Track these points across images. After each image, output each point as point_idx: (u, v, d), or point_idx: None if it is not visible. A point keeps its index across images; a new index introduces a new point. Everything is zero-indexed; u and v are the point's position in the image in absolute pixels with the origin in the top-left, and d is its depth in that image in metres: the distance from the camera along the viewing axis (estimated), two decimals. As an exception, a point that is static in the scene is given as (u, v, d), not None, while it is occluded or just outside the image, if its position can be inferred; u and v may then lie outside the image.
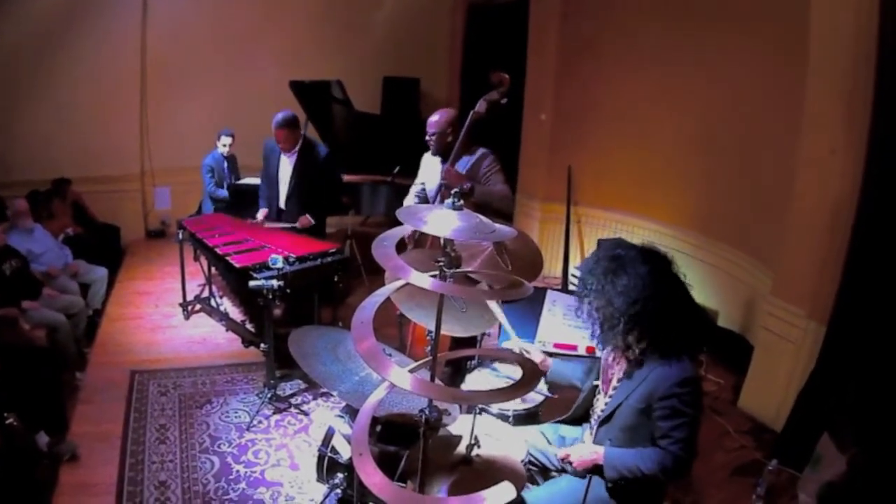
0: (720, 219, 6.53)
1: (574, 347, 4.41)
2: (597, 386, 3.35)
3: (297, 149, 6.39)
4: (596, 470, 3.09)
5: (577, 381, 3.60)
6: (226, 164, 8.50)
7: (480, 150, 4.99)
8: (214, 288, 7.19)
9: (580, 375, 3.60)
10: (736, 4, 6.13)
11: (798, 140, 5.06)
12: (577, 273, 3.85)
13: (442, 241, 2.32)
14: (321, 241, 6.09)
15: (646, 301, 2.89)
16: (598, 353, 3.46)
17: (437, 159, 5.17)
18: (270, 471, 4.57)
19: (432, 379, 2.46)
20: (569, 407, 3.60)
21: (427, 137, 5.09)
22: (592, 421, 3.31)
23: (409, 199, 5.46)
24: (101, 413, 5.21)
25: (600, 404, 3.26)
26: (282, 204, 6.64)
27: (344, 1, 10.23)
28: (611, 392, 3.18)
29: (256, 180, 7.40)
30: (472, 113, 4.84)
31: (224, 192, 8.30)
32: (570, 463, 3.18)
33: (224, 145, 8.43)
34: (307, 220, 6.42)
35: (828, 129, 4.76)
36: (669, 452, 2.90)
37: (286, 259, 5.32)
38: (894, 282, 4.30)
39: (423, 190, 5.36)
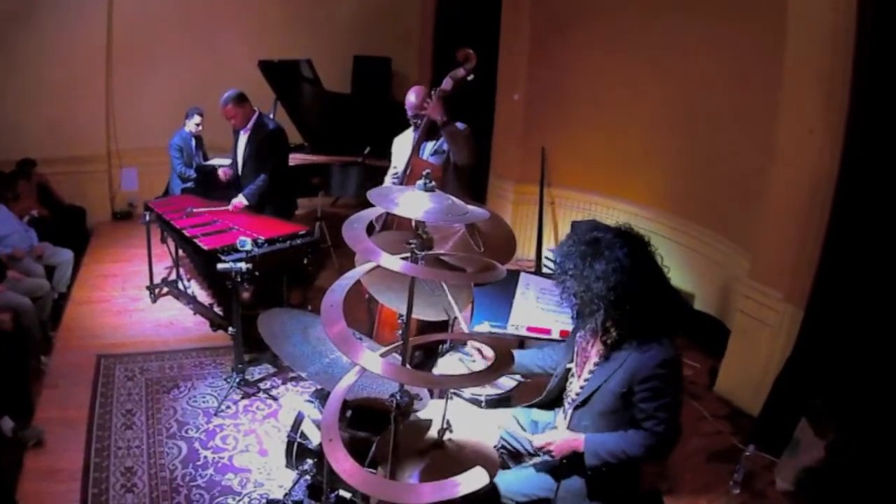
0: (696, 201, 6.51)
1: (548, 331, 4.37)
2: (570, 369, 3.31)
3: (251, 125, 6.41)
4: (573, 458, 3.04)
5: (537, 368, 3.61)
6: (193, 143, 8.38)
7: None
8: (182, 270, 7.12)
9: (538, 362, 3.62)
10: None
11: (775, 121, 5.04)
12: (553, 256, 3.80)
13: (413, 224, 2.27)
14: (290, 223, 6.04)
15: (625, 285, 2.85)
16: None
17: (409, 139, 5.21)
18: (239, 457, 4.54)
19: (404, 363, 2.41)
20: (542, 391, 3.57)
21: (411, 119, 5.18)
22: (566, 405, 3.28)
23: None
24: (67, 398, 5.16)
25: (574, 388, 3.23)
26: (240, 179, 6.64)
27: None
28: (586, 376, 3.15)
29: (224, 161, 7.32)
30: (437, 91, 4.90)
31: (192, 171, 8.21)
32: (550, 452, 3.12)
33: (196, 124, 8.31)
34: (240, 202, 6.33)
35: (806, 109, 4.74)
36: (654, 433, 2.90)
37: (255, 241, 5.34)
38: (872, 264, 4.30)
39: (399, 175, 5.32)
